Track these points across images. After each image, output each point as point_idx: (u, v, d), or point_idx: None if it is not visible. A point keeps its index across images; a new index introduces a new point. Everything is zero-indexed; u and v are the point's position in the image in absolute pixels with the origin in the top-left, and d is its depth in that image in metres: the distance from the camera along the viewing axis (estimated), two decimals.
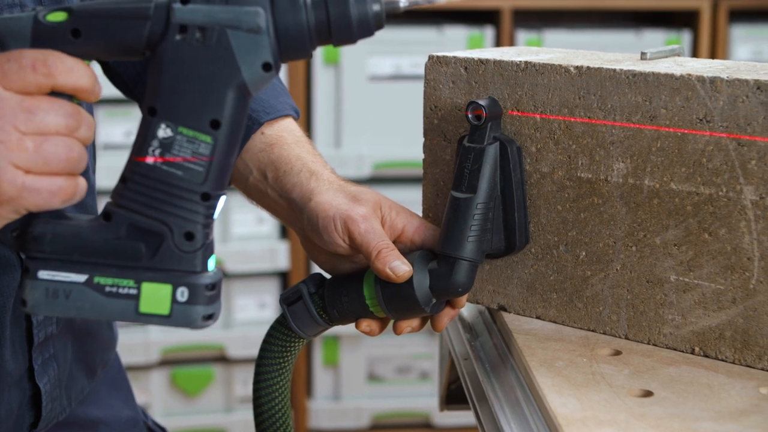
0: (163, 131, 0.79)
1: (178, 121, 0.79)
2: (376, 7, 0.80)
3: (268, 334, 1.06)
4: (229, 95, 0.78)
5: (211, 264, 0.83)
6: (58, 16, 0.78)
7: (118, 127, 2.76)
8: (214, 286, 0.82)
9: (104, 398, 1.25)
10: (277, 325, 1.06)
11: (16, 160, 0.76)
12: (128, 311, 0.81)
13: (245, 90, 0.79)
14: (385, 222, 1.02)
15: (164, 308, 0.81)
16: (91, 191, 1.14)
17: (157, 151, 0.79)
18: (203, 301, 0.81)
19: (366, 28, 0.80)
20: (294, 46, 0.79)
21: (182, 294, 0.81)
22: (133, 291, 0.81)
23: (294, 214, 1.06)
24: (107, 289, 0.81)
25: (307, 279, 1.05)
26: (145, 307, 0.81)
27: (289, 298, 1.05)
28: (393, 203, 1.04)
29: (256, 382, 1.07)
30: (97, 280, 0.81)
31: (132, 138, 0.82)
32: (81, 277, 0.81)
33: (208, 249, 0.82)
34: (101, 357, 1.22)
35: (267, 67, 0.79)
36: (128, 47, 0.79)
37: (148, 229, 0.81)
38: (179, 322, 0.81)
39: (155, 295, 0.81)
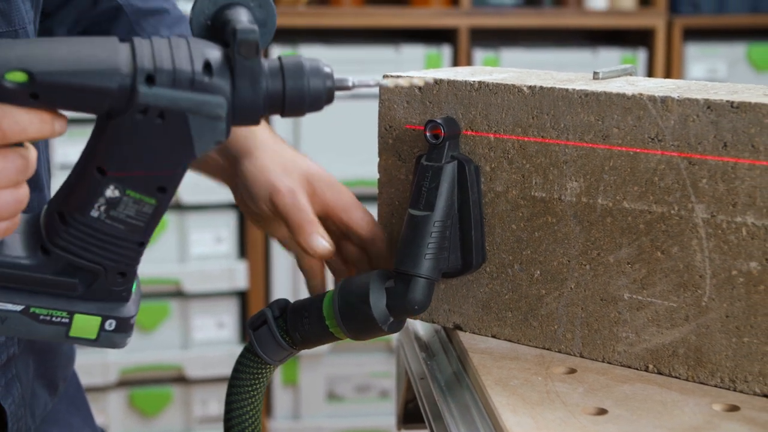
0: (111, 192, 0.81)
1: (127, 185, 0.81)
2: (328, 83, 0.83)
3: (238, 362, 1.06)
4: (180, 169, 0.81)
5: (133, 286, 0.87)
6: (18, 77, 0.77)
7: (76, 147, 2.74)
8: (135, 314, 0.88)
9: (64, 417, 1.25)
10: (246, 352, 1.06)
11: None
12: (59, 335, 0.86)
13: (194, 159, 0.82)
14: (315, 195, 1.02)
15: (92, 334, 0.86)
16: None
17: (103, 208, 0.81)
18: (128, 329, 0.87)
19: (317, 102, 0.82)
20: (246, 119, 0.81)
21: (110, 324, 0.86)
22: (65, 320, 0.85)
23: (228, 172, 1.08)
24: (42, 317, 0.85)
25: (272, 303, 1.05)
26: (74, 332, 0.86)
27: (254, 323, 1.05)
28: (325, 175, 1.04)
29: (227, 411, 1.07)
30: (33, 310, 0.84)
31: None
32: (18, 307, 0.84)
33: (134, 277, 0.86)
34: (62, 372, 1.22)
35: (219, 143, 0.81)
36: (86, 112, 0.80)
37: (84, 268, 0.84)
38: (104, 345, 0.87)
39: (85, 325, 0.86)
